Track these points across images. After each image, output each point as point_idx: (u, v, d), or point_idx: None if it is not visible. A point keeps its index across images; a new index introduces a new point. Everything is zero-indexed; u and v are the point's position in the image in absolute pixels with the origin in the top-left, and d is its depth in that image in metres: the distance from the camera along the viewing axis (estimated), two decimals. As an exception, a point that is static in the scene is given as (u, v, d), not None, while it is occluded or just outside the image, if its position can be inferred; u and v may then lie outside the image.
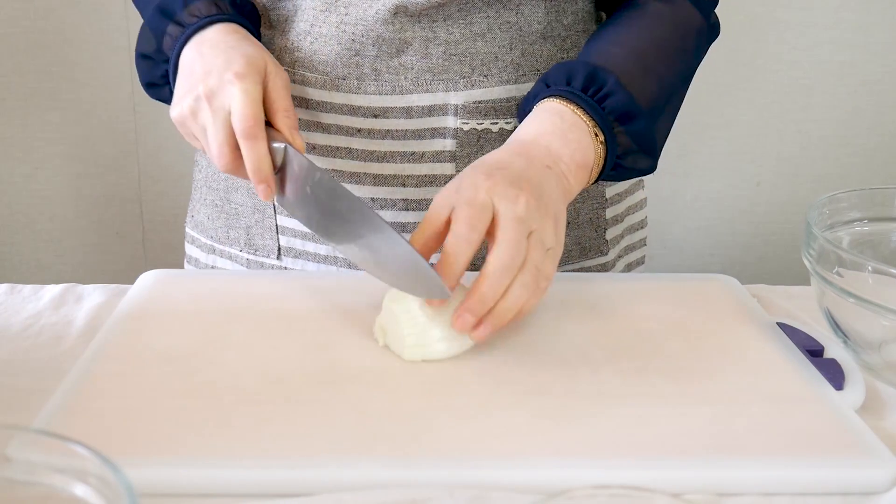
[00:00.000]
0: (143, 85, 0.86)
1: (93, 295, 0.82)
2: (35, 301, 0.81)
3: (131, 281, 0.83)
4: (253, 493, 0.55)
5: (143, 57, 0.84)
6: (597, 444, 0.59)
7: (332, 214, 0.73)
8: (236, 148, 0.76)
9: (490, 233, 0.69)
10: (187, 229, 1.02)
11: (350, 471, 0.56)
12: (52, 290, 0.83)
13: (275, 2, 0.87)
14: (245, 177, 0.76)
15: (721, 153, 1.89)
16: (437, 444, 0.58)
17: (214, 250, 0.97)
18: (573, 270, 0.93)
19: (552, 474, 0.56)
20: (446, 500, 0.53)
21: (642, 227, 1.03)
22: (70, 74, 1.74)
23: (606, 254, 0.96)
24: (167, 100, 0.84)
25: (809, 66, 1.84)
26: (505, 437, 0.59)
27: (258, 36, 0.85)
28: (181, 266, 1.02)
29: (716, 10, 0.91)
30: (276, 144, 0.75)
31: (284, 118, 0.77)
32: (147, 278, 0.82)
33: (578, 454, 0.58)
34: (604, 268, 0.95)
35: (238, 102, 0.74)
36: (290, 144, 0.75)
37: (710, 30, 0.90)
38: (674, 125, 0.87)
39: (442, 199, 0.70)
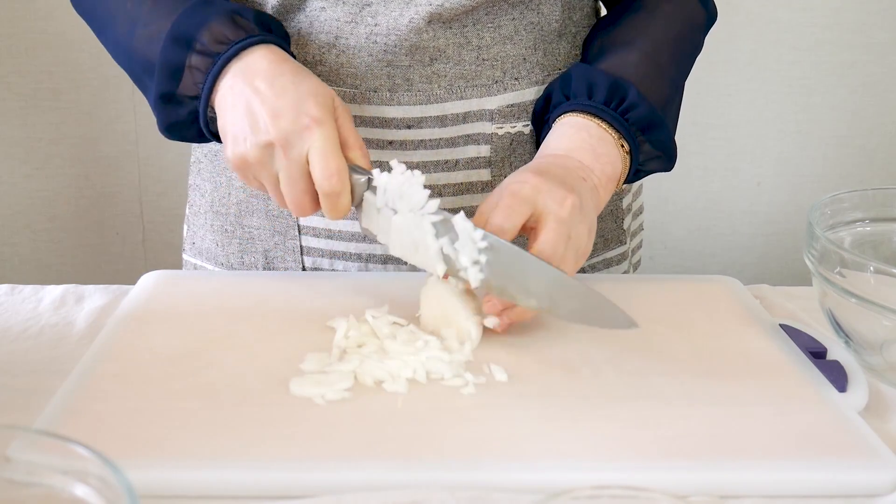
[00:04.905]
0: (162, 129, 0.78)
1: (93, 296, 0.82)
2: (35, 302, 0.81)
3: (131, 281, 0.83)
4: (254, 494, 0.55)
5: (162, 98, 0.76)
6: (599, 446, 0.59)
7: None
8: (315, 196, 0.72)
9: (531, 228, 0.70)
10: (187, 257, 0.98)
11: (351, 472, 0.56)
12: (52, 291, 0.82)
13: (285, 15, 0.84)
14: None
15: (721, 153, 1.89)
16: (438, 446, 0.58)
17: None
18: (597, 262, 0.94)
19: (554, 476, 0.56)
20: (448, 501, 0.53)
21: (642, 230, 1.04)
22: (70, 75, 1.74)
23: (625, 243, 0.96)
24: (193, 139, 0.79)
25: (809, 66, 1.84)
26: (506, 439, 0.59)
27: (292, 54, 0.79)
28: (181, 266, 1.01)
29: (715, 11, 0.92)
30: (357, 177, 0.71)
31: (361, 157, 0.73)
32: (148, 279, 0.82)
33: (580, 456, 0.58)
34: (623, 257, 0.96)
35: (320, 153, 0.69)
36: (371, 176, 0.71)
37: (710, 18, 0.90)
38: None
39: (490, 196, 0.72)
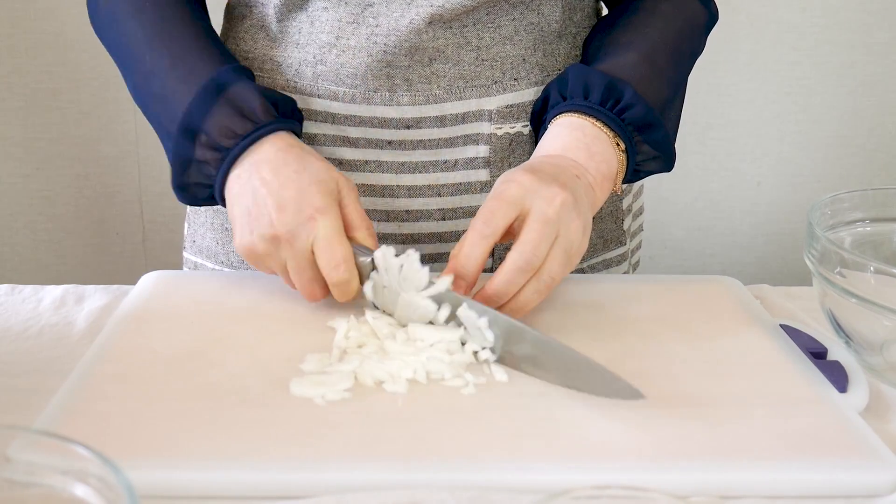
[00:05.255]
0: (183, 202, 0.81)
1: (94, 296, 0.82)
2: (35, 302, 0.81)
3: (131, 281, 0.83)
4: (254, 494, 0.55)
5: (180, 188, 0.78)
6: (599, 446, 0.59)
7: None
8: (324, 282, 0.72)
9: (518, 229, 0.70)
10: (187, 255, 0.99)
11: (351, 472, 0.56)
12: (52, 291, 0.82)
13: (286, 14, 0.84)
14: None
15: (721, 153, 1.89)
16: (438, 446, 0.58)
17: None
18: (596, 263, 0.94)
19: (554, 477, 0.56)
20: (448, 501, 0.53)
21: (641, 231, 1.04)
22: (70, 74, 1.74)
23: (625, 244, 0.96)
24: (207, 204, 0.80)
25: (809, 66, 1.84)
26: (506, 439, 0.59)
27: (301, 125, 0.80)
28: (181, 267, 1.01)
29: (716, 11, 0.92)
30: (363, 259, 0.72)
31: (367, 236, 0.74)
32: (148, 279, 0.82)
33: (581, 456, 0.58)
34: (622, 258, 0.96)
35: (324, 244, 0.70)
36: (375, 256, 0.72)
37: (711, 18, 0.90)
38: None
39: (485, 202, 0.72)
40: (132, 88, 0.83)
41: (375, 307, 0.74)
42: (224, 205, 0.77)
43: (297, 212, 0.71)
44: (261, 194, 0.72)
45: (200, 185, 0.78)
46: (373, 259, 0.72)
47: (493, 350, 0.68)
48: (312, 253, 0.71)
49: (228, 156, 0.75)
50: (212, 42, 0.81)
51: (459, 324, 0.70)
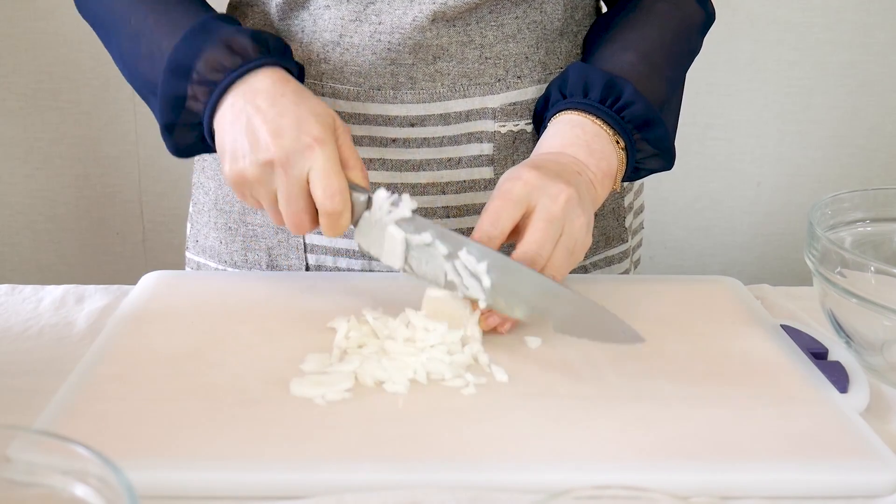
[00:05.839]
0: (172, 152, 0.79)
1: (94, 296, 0.82)
2: (36, 302, 0.81)
3: (131, 281, 0.83)
4: (254, 494, 0.55)
5: (167, 128, 0.77)
6: (599, 447, 0.59)
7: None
8: (313, 214, 0.72)
9: (522, 226, 0.71)
10: (190, 255, 0.98)
11: (352, 473, 0.56)
12: (52, 291, 0.82)
13: (288, 12, 0.84)
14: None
15: (721, 153, 1.89)
16: (438, 446, 0.58)
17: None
18: (598, 260, 0.94)
19: (555, 477, 0.56)
20: (448, 501, 0.53)
21: (642, 229, 1.04)
22: (70, 74, 1.74)
23: (627, 241, 0.97)
24: (199, 153, 0.79)
25: (809, 66, 1.84)
26: (508, 440, 0.59)
27: (293, 68, 0.78)
28: (182, 266, 1.01)
29: (717, 11, 0.92)
30: (357, 195, 0.71)
31: (361, 177, 0.73)
32: (149, 279, 0.82)
33: (582, 457, 0.58)
34: (624, 255, 0.96)
35: (322, 173, 0.69)
36: (370, 195, 0.72)
37: (708, 18, 0.90)
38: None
39: (490, 199, 0.72)
40: (118, 57, 0.81)
41: (359, 252, 0.72)
42: (213, 144, 0.76)
43: (295, 139, 0.69)
44: (256, 121, 0.70)
45: (189, 127, 0.76)
46: (369, 197, 0.71)
47: (486, 293, 0.68)
48: (307, 182, 0.70)
49: (217, 87, 0.73)
50: (196, 0, 0.80)
51: (451, 262, 0.69)
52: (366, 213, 0.72)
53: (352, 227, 0.73)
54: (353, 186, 0.72)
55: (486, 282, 0.68)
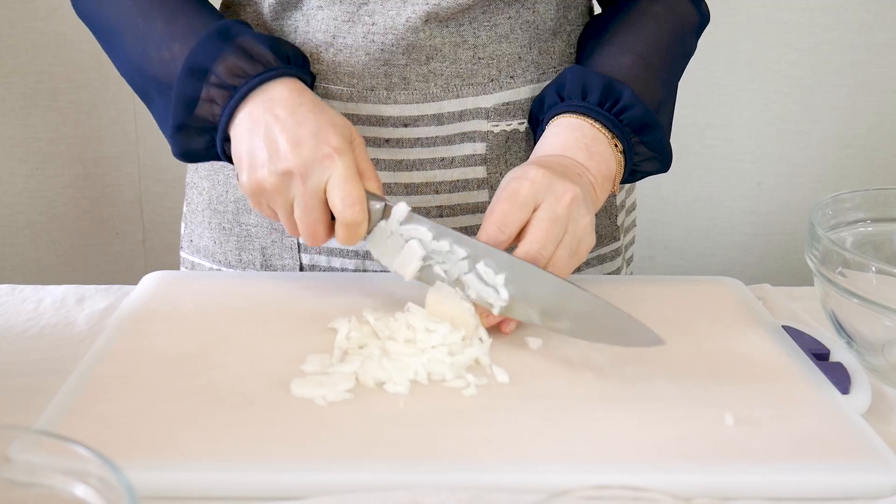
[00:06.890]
0: (177, 155, 0.78)
1: (94, 297, 0.82)
2: (36, 302, 0.81)
3: (131, 281, 0.83)
4: (254, 495, 0.55)
5: (178, 128, 0.76)
6: (600, 448, 0.59)
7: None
8: (329, 225, 0.72)
9: (526, 225, 0.71)
10: (184, 255, 0.98)
11: (352, 473, 0.56)
12: (53, 292, 0.82)
13: (281, 13, 0.84)
14: None
15: (721, 153, 1.89)
16: (439, 447, 0.58)
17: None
18: (590, 258, 0.94)
19: (556, 478, 0.56)
20: (448, 502, 0.53)
21: (634, 227, 1.04)
22: (70, 75, 1.74)
23: (619, 239, 0.97)
24: (204, 160, 0.79)
25: (809, 66, 1.84)
26: (509, 441, 0.59)
27: (311, 79, 0.80)
28: (180, 266, 1.01)
29: (717, 11, 0.92)
30: (374, 204, 0.72)
31: (377, 187, 0.74)
32: (149, 280, 0.82)
33: (582, 458, 0.58)
34: (616, 253, 0.97)
35: (340, 183, 0.70)
36: (388, 203, 0.72)
37: (702, 20, 0.91)
38: (673, 125, 0.88)
39: (493, 199, 0.72)
40: (122, 59, 0.81)
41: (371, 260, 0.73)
42: (222, 154, 0.76)
43: (314, 149, 0.70)
44: (275, 130, 0.71)
45: (199, 131, 0.76)
46: (386, 205, 0.72)
47: (501, 303, 0.69)
48: (324, 193, 0.71)
49: (237, 93, 0.73)
50: (203, 4, 0.80)
51: (469, 269, 0.70)
52: (381, 223, 0.72)
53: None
54: (369, 196, 0.72)
55: (504, 294, 0.69)
